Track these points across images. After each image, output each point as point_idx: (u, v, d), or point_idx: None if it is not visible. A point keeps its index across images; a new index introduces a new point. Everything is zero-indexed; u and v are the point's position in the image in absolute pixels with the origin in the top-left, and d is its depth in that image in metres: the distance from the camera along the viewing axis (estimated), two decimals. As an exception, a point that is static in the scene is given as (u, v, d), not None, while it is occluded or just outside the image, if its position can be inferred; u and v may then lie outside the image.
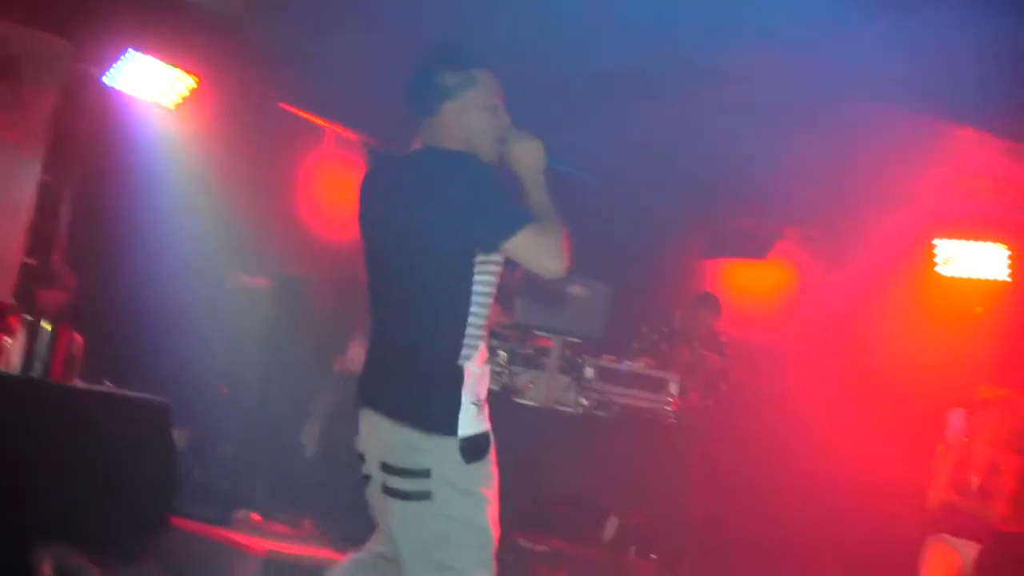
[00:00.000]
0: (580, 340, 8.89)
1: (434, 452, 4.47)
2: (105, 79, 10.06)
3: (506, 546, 9.11)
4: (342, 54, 9.51)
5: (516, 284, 9.03)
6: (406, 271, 4.61)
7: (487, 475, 4.58)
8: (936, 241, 11.38)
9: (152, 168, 10.31)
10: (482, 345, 4.65)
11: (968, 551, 8.72)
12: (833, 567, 10.45)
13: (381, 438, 4.60)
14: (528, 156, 4.74)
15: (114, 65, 10.00)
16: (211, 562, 8.39)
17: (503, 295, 9.21)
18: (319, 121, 11.47)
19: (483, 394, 4.60)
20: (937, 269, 11.41)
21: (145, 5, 9.53)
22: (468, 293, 4.55)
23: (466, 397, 4.51)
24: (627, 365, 9.10)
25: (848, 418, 10.91)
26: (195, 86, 10.41)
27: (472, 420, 4.52)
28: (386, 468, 4.54)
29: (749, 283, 12.47)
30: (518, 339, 8.85)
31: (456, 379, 4.53)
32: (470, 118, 4.74)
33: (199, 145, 10.54)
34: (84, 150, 10.12)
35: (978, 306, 11.29)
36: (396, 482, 4.51)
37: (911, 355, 11.08)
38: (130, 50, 9.95)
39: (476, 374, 4.58)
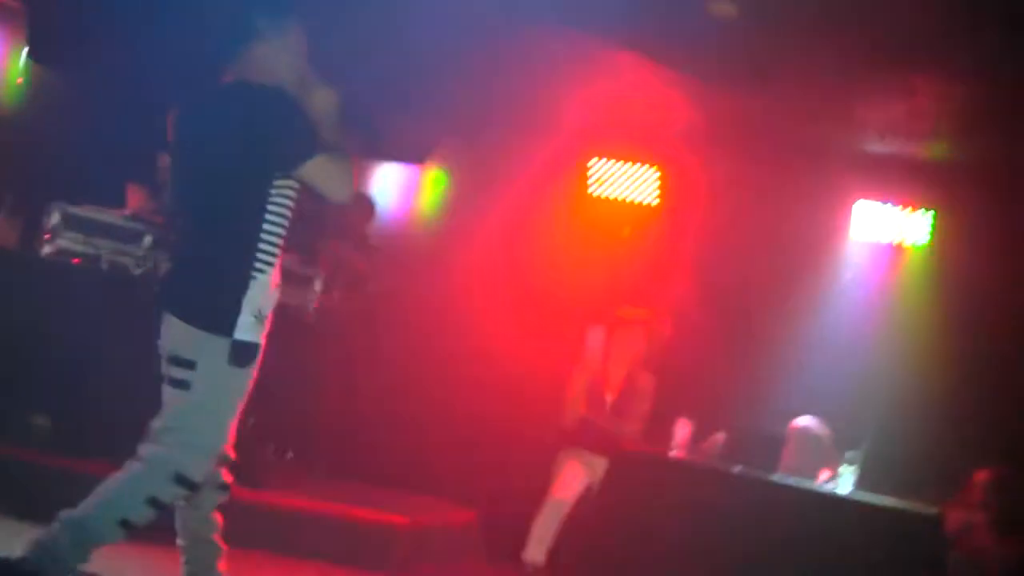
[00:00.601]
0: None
1: (205, 348, 5.04)
2: None
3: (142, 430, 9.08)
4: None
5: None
6: (210, 188, 5.20)
7: (244, 385, 5.11)
8: (590, 162, 11.62)
9: None
10: (274, 264, 5.17)
11: (600, 467, 8.97)
12: (468, 469, 10.61)
13: (170, 332, 5.18)
14: (323, 102, 5.28)
15: None
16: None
17: (154, 181, 9.14)
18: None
19: (265, 311, 5.13)
20: (589, 189, 11.65)
21: None
22: (263, 212, 5.11)
23: (247, 306, 5.05)
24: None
25: (497, 330, 11.06)
26: None
27: (248, 328, 5.06)
28: (170, 359, 5.14)
29: (405, 188, 12.50)
30: (164, 225, 8.73)
31: (241, 288, 5.06)
32: (278, 59, 5.31)
33: None
34: None
35: (626, 227, 11.58)
36: (172, 371, 5.10)
37: (560, 272, 11.29)
38: None
39: (262, 289, 5.12)
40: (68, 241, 8.53)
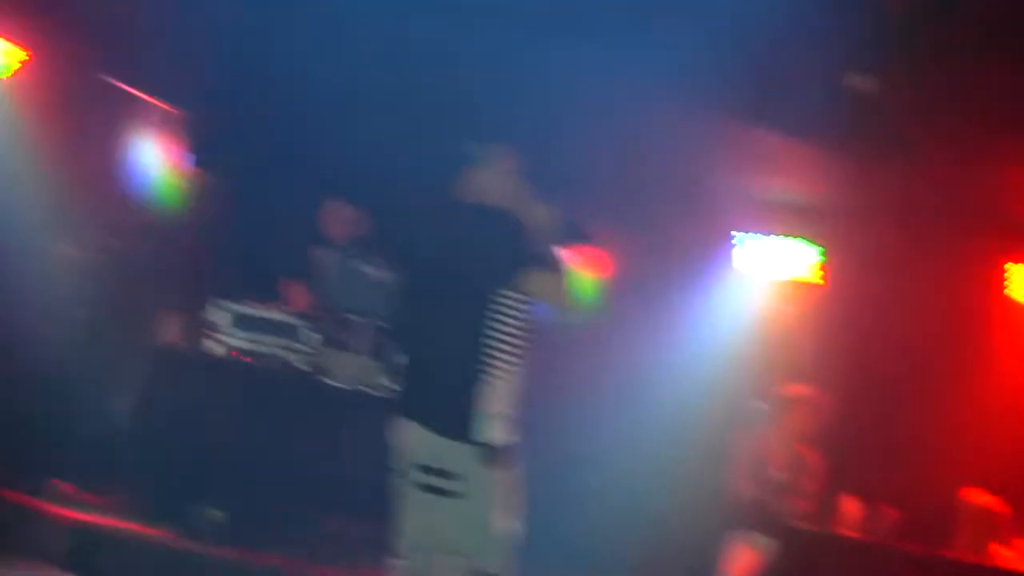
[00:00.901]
0: (387, 323, 9.02)
1: (463, 456, 5.25)
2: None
3: (314, 525, 9.32)
4: (166, 32, 9.64)
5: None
6: (439, 306, 5.42)
7: (508, 479, 5.33)
8: (741, 236, 11.60)
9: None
10: (509, 368, 5.38)
11: (769, 547, 8.80)
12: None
13: (420, 443, 5.34)
14: (540, 216, 5.51)
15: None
16: (21, 530, 8.49)
17: (312, 278, 9.41)
18: (143, 96, 11.54)
19: (509, 412, 5.36)
20: (740, 266, 11.64)
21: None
22: (491, 323, 5.32)
23: (491, 411, 5.28)
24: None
25: (674, 407, 11.07)
26: (26, 58, 10.47)
27: (495, 431, 5.30)
28: (424, 469, 5.28)
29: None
30: (327, 320, 8.99)
31: (481, 395, 5.28)
32: (491, 181, 5.58)
33: (25, 116, 10.59)
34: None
35: (788, 304, 11.54)
36: (433, 480, 5.25)
37: (721, 350, 11.27)
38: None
39: (502, 392, 5.33)
40: (232, 338, 8.81)
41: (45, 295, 10.48)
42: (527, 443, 5.46)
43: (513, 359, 5.41)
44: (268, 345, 8.84)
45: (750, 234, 11.58)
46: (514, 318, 5.39)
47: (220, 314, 8.81)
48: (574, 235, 5.69)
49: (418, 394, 5.48)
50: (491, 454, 5.26)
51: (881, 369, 10.50)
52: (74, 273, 10.65)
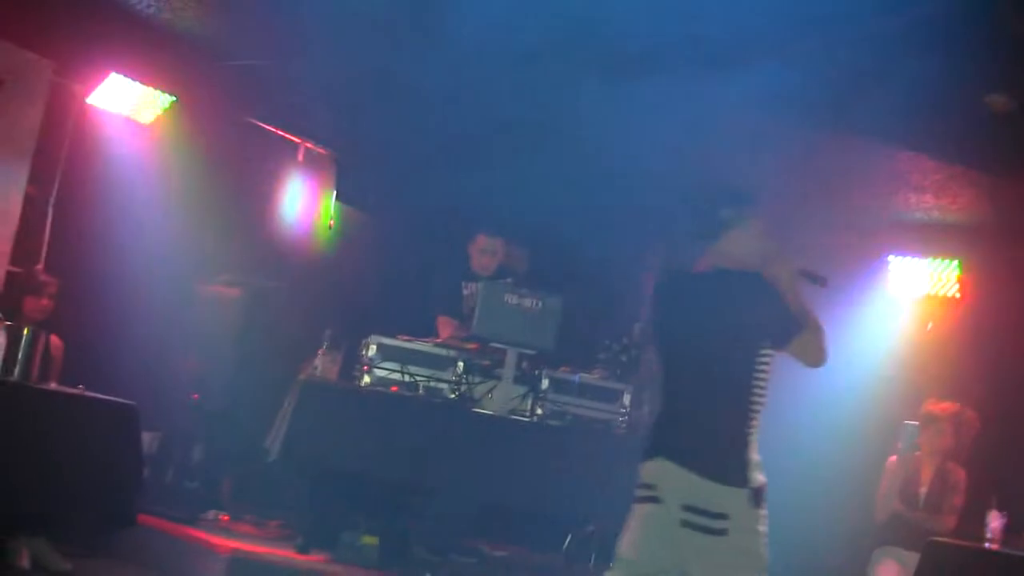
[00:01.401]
0: (534, 352, 9.15)
1: (731, 499, 5.50)
2: (88, 99, 10.47)
3: (467, 551, 9.47)
4: (313, 74, 9.86)
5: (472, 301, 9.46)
6: (705, 365, 5.68)
7: (765, 516, 5.57)
8: (890, 258, 11.64)
9: (130, 181, 10.67)
10: (759, 417, 5.69)
11: (915, 563, 8.53)
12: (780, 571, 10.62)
13: (683, 484, 5.56)
14: (787, 273, 5.73)
15: (95, 85, 10.42)
16: (179, 560, 8.72)
17: (463, 311, 9.56)
18: (291, 137, 11.79)
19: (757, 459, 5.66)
20: (890, 286, 11.65)
21: (125, 26, 9.89)
22: (752, 380, 5.61)
23: (751, 457, 5.58)
24: (580, 377, 9.33)
25: (809, 423, 11.09)
26: (173, 103, 10.78)
27: (757, 476, 5.57)
28: (689, 509, 5.50)
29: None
30: (476, 351, 9.13)
31: (745, 444, 5.59)
32: (747, 244, 5.78)
33: (175, 159, 10.89)
34: (67, 163, 10.50)
35: (929, 321, 11.54)
36: (699, 520, 5.49)
37: (867, 367, 11.29)
38: (112, 72, 10.35)
39: (755, 442, 5.64)
40: (385, 371, 8.99)
41: (200, 333, 10.77)
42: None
43: (762, 406, 5.70)
44: (418, 376, 8.98)
45: (899, 255, 11.57)
46: (767, 369, 5.64)
47: (371, 348, 8.97)
48: (815, 284, 5.87)
49: (683, 440, 5.67)
50: (756, 496, 5.53)
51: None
52: (228, 311, 10.91)
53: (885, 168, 10.04)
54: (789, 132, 9.27)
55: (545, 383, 9.14)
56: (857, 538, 9.62)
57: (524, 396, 9.08)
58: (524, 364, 9.15)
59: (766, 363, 5.64)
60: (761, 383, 5.63)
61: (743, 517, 5.54)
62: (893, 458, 9.38)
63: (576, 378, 9.32)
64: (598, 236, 11.47)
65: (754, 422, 5.65)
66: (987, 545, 8.40)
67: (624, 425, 9.35)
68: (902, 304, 11.63)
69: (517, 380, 9.07)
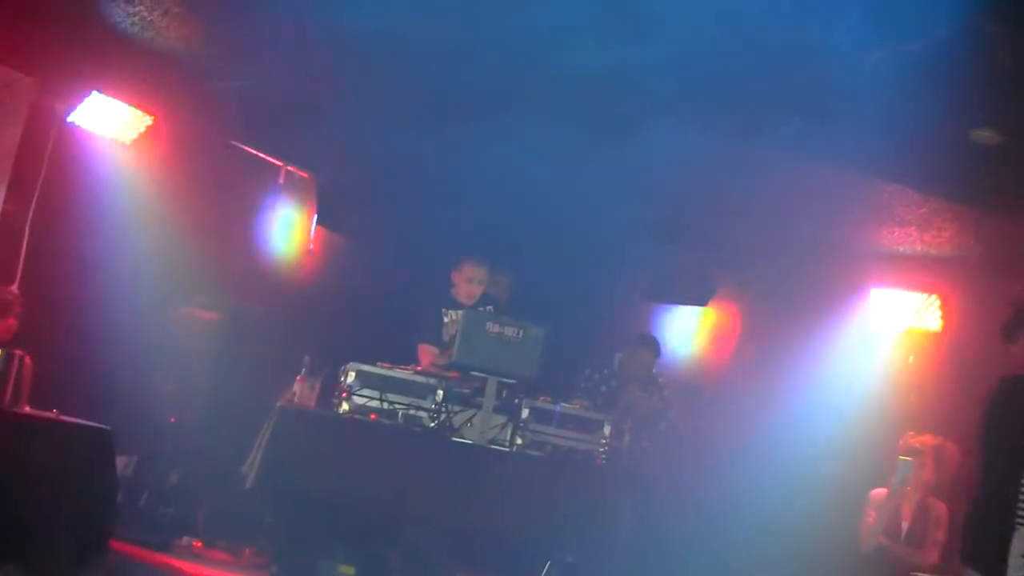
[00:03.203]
0: (515, 381, 9.10)
1: None
2: (68, 118, 10.38)
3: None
4: (294, 96, 9.83)
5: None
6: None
7: None
8: (872, 290, 11.63)
9: (109, 201, 10.58)
10: None
11: None
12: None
13: None
14: None
15: (76, 104, 10.34)
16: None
17: (444, 339, 9.51)
18: (272, 160, 11.72)
19: None
20: (871, 318, 11.65)
21: (108, 45, 9.82)
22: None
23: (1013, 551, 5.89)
24: (561, 407, 9.29)
25: (780, 464, 11.08)
26: (152, 123, 10.70)
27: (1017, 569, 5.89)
28: None
29: (689, 326, 12.65)
30: (456, 379, 9.08)
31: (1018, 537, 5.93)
32: None
33: (155, 180, 10.82)
34: (45, 182, 10.40)
35: (910, 354, 11.54)
36: None
37: (849, 399, 11.30)
38: (94, 91, 10.28)
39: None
40: (364, 398, 8.92)
41: (177, 356, 10.70)
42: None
43: None
44: (397, 404, 8.92)
45: (882, 287, 11.58)
46: None
47: (350, 375, 8.91)
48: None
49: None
50: None
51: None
52: (205, 334, 10.85)
53: (870, 200, 10.03)
54: (775, 164, 9.25)
55: (525, 412, 9.07)
56: (843, 570, 9.54)
57: (504, 425, 9.02)
58: (504, 393, 9.10)
59: None
60: None
61: None
62: (878, 490, 9.32)
63: (557, 408, 9.26)
64: (580, 265, 11.46)
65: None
66: None
67: (604, 455, 9.28)
68: (884, 336, 11.61)
69: (497, 409, 9.01)
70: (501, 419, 9.02)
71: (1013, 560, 5.72)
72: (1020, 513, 5.78)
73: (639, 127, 8.97)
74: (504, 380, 9.05)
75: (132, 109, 10.64)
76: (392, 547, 9.20)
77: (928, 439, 9.33)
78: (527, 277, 11.23)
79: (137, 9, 9.25)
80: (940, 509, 9.21)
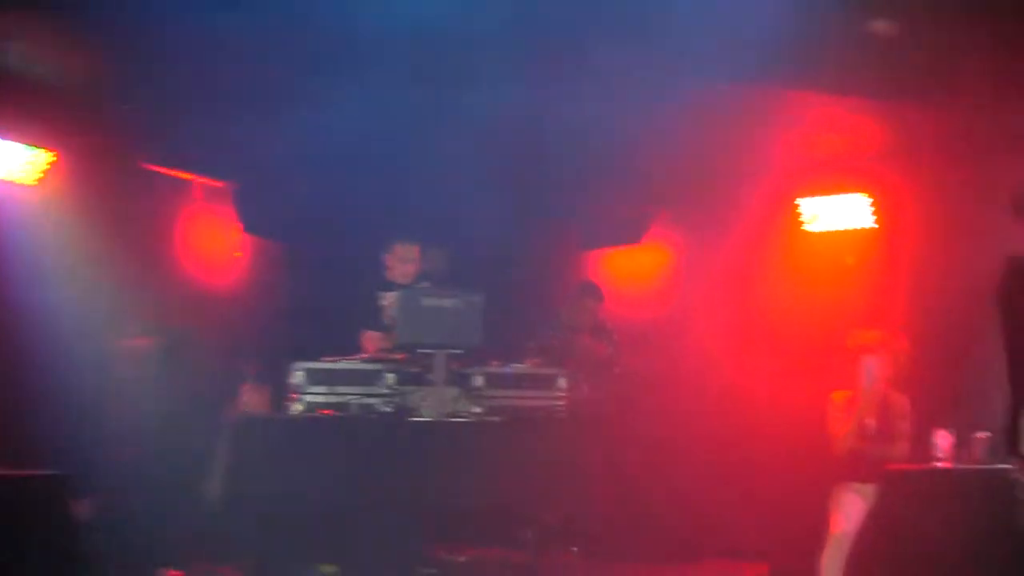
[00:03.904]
0: (462, 351, 9.06)
1: None
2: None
3: (428, 561, 9.36)
4: (194, 110, 9.72)
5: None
6: None
7: None
8: (799, 200, 11.65)
9: (23, 246, 10.40)
10: None
11: (872, 493, 8.84)
12: (753, 524, 10.66)
13: None
14: None
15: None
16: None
17: (383, 322, 9.46)
18: (183, 175, 11.60)
19: None
20: (804, 227, 11.66)
21: (-5, 88, 9.68)
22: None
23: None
24: (513, 368, 9.28)
25: (746, 382, 11.13)
26: (54, 159, 10.53)
27: None
28: None
29: (628, 268, 12.62)
30: (404, 361, 9.03)
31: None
32: None
33: (67, 217, 10.65)
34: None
35: (848, 256, 11.57)
36: None
37: (793, 314, 11.33)
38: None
39: None
40: (315, 395, 8.85)
41: (122, 388, 10.58)
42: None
43: None
44: (349, 395, 8.86)
45: (808, 195, 11.64)
46: None
47: (298, 375, 8.84)
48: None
49: None
50: None
51: (949, 305, 10.47)
52: (145, 362, 10.74)
53: (782, 111, 10.01)
54: (685, 86, 9.21)
55: (478, 380, 9.04)
56: (816, 474, 9.57)
57: (459, 397, 8.97)
58: (454, 365, 9.05)
59: None
60: None
61: None
62: (839, 392, 9.34)
63: (508, 370, 9.26)
64: (513, 225, 11.41)
65: None
66: (938, 464, 8.58)
67: (564, 409, 9.26)
68: (821, 242, 11.64)
69: (449, 382, 8.97)
70: (455, 391, 8.99)
71: None
72: None
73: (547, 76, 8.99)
74: (452, 352, 9.01)
75: (31, 148, 10.44)
76: (370, 537, 9.15)
77: (878, 334, 9.39)
78: (462, 247, 11.17)
79: (19, 45, 9.12)
80: (903, 402, 9.29)
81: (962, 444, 8.64)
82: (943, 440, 8.64)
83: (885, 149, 10.87)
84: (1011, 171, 9.80)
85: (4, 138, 10.26)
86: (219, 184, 11.81)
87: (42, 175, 10.53)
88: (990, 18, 8.09)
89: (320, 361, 8.99)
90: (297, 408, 8.81)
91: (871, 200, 11.32)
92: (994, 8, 8.03)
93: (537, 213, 11.81)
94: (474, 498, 9.00)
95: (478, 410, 9.00)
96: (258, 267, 12.11)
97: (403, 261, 9.92)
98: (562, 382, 9.34)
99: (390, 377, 8.95)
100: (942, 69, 8.94)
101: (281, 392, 9.06)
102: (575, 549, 10.17)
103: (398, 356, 9.10)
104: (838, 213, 11.48)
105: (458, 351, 9.05)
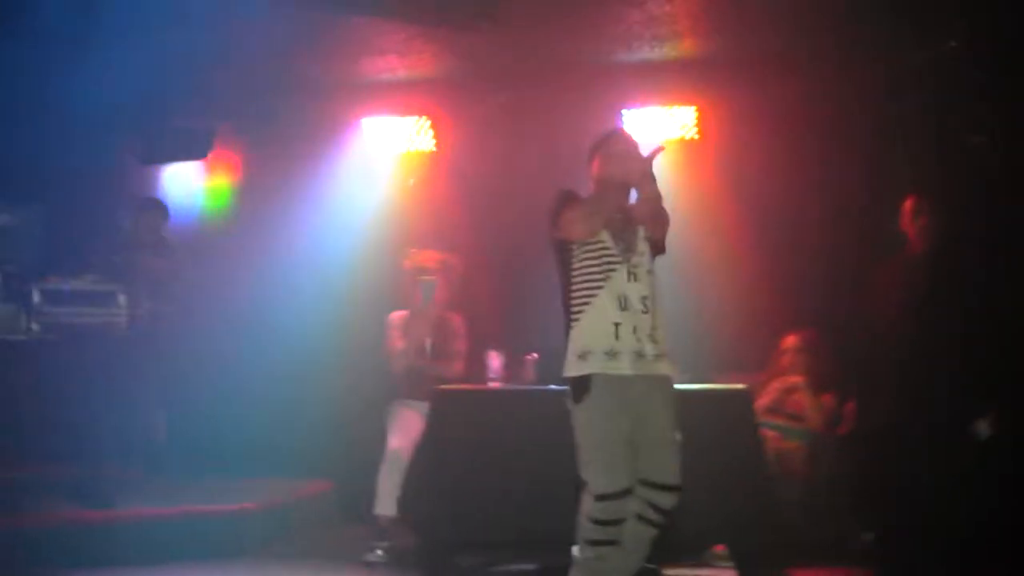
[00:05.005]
0: (18, 267, 8.91)
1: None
2: None
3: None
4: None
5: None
6: None
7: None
8: (363, 120, 11.84)
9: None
10: (587, 310, 6.57)
11: (427, 410, 8.87)
12: (320, 445, 10.80)
13: None
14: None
15: None
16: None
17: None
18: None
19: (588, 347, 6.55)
20: (368, 146, 11.87)
21: None
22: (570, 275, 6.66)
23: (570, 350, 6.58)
24: (72, 284, 9.16)
25: (309, 304, 11.19)
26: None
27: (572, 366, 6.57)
28: None
29: (192, 183, 12.54)
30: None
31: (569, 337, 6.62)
32: None
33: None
34: None
35: (410, 177, 11.86)
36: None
37: (355, 231, 11.56)
38: None
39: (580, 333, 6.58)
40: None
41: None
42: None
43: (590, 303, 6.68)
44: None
45: (369, 117, 11.84)
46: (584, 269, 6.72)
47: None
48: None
49: None
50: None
51: (504, 227, 10.87)
52: None
53: (348, 35, 10.13)
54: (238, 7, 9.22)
55: (36, 297, 8.92)
56: (376, 392, 9.80)
57: (16, 315, 8.84)
58: (13, 282, 8.90)
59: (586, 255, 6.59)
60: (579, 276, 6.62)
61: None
62: (397, 313, 9.61)
63: (66, 287, 9.13)
64: (75, 142, 11.19)
65: (578, 314, 6.59)
66: (490, 384, 8.93)
67: (125, 326, 9.23)
68: (381, 164, 11.87)
69: (6, 299, 8.82)
70: (12, 308, 8.86)
71: None
72: None
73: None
74: (5, 267, 8.86)
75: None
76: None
77: (434, 255, 9.68)
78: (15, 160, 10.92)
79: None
80: (457, 321, 9.65)
81: (515, 364, 9.04)
82: (495, 360, 9.02)
83: (445, 74, 11.18)
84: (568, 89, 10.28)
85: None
86: None
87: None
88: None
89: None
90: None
91: (431, 123, 11.63)
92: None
93: (100, 128, 11.57)
94: (45, 418, 8.96)
95: (35, 328, 8.89)
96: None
97: None
98: (122, 299, 9.29)
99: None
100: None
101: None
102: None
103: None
104: (400, 135, 11.75)
105: (11, 267, 8.92)
